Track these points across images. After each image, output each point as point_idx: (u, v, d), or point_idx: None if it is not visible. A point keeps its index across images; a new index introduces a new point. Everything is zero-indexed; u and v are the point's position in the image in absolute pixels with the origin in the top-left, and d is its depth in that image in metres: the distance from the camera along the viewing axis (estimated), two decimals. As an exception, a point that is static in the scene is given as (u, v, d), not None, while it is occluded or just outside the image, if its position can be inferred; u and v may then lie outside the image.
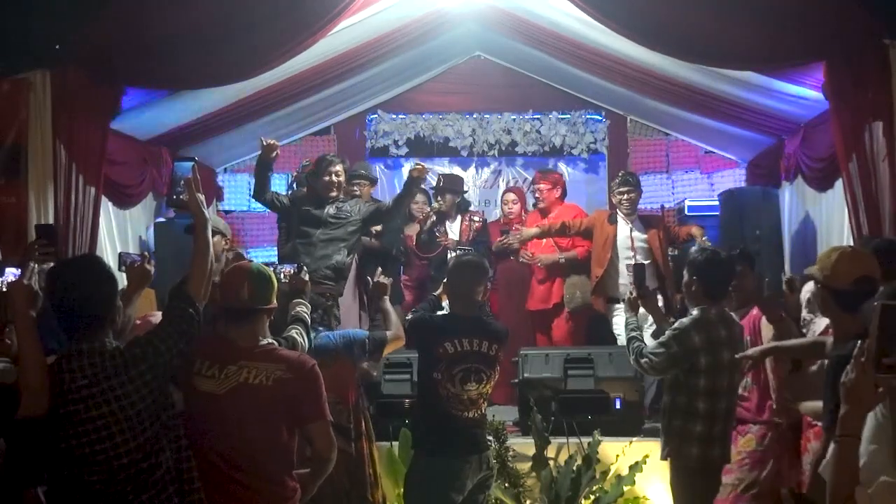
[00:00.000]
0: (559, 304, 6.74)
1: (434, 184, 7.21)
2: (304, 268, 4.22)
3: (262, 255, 8.04)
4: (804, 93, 5.82)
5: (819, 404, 3.34)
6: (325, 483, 3.28)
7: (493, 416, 4.95)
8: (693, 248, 4.88)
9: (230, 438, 3.01)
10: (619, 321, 6.29)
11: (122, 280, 3.60)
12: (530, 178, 8.53)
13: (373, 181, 6.94)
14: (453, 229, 6.95)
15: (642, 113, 8.25)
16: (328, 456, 3.14)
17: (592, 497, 5.06)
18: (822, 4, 5.07)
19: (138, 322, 3.58)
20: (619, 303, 6.31)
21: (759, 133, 7.19)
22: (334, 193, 5.79)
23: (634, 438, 5.24)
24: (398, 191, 8.46)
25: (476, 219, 7.00)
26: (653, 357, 3.97)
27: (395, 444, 5.11)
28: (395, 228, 6.67)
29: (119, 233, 6.46)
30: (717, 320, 3.96)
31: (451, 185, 7.04)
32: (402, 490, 4.55)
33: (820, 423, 3.67)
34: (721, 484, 4.13)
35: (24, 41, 5.12)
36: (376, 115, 8.58)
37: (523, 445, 5.27)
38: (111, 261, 5.76)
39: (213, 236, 4.81)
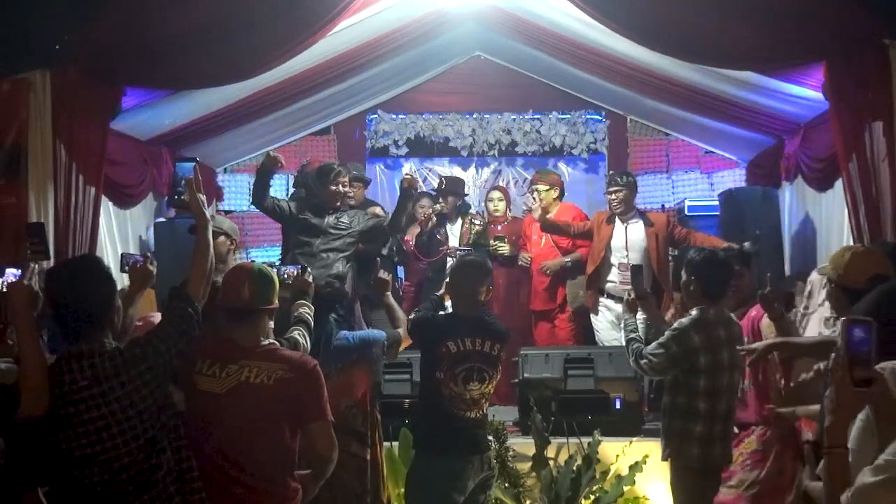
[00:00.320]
0: (562, 303, 6.75)
1: (435, 186, 7.21)
2: (308, 269, 4.21)
3: (263, 255, 8.04)
4: (804, 93, 5.82)
5: (815, 407, 3.34)
6: (338, 487, 3.28)
7: (493, 416, 4.95)
8: (691, 249, 4.88)
9: (231, 438, 3.01)
10: (600, 316, 6.42)
11: (124, 280, 3.61)
12: (531, 178, 8.56)
13: (366, 183, 6.91)
14: (453, 231, 6.94)
15: (642, 113, 8.25)
16: (329, 456, 3.14)
17: (592, 497, 5.06)
18: (822, 4, 5.07)
19: (139, 323, 3.59)
20: (603, 296, 6.36)
21: (759, 133, 7.19)
22: (339, 204, 5.80)
23: (634, 438, 5.24)
24: (398, 191, 8.53)
25: (476, 221, 6.99)
26: (652, 358, 3.97)
27: (395, 444, 5.11)
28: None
29: (119, 233, 6.46)
30: (716, 320, 3.96)
31: (453, 187, 7.04)
32: (401, 490, 4.55)
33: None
34: (721, 484, 4.13)
35: (24, 41, 5.12)
36: (376, 115, 8.57)
37: (523, 445, 5.27)
38: (112, 261, 5.76)
39: (217, 237, 4.85)
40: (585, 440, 5.18)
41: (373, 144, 8.60)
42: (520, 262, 6.86)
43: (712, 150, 8.38)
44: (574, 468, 5.06)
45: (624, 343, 4.33)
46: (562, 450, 5.25)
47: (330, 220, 5.75)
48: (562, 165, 8.53)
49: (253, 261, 3.74)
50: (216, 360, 3.07)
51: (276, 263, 5.39)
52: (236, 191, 8.54)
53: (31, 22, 5.04)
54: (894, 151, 4.89)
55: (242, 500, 3.01)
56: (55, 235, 5.13)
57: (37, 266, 3.49)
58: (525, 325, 6.89)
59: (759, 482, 4.34)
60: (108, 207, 6.17)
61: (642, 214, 6.59)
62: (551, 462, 5.15)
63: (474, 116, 8.53)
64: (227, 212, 8.29)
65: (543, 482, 5.06)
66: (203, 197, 3.09)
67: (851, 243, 5.17)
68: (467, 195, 7.46)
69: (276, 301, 3.26)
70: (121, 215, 6.52)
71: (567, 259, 6.76)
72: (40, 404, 2.69)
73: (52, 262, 3.66)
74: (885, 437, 2.19)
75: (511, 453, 5.22)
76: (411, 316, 4.36)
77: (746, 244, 5.20)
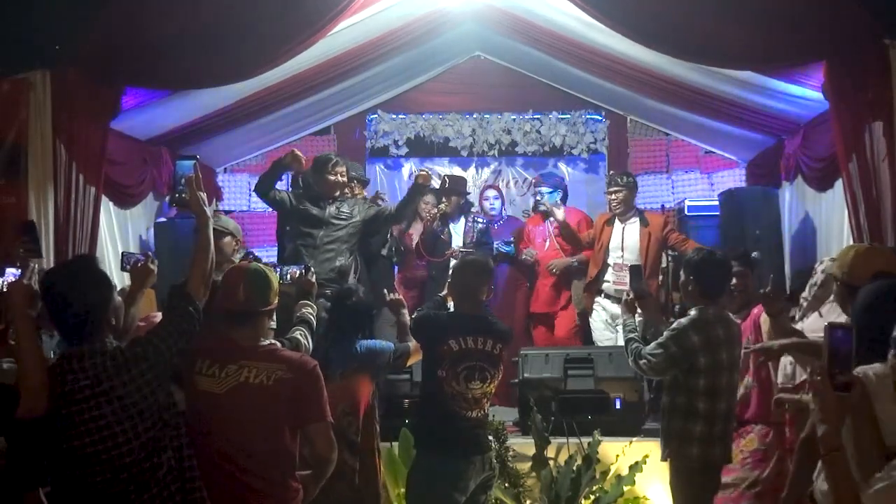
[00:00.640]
0: (564, 306, 6.76)
1: (437, 185, 7.20)
2: (311, 269, 4.21)
3: (263, 255, 8.03)
4: (804, 93, 5.82)
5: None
6: (329, 492, 3.27)
7: (493, 416, 4.95)
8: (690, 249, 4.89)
9: (230, 438, 3.01)
10: (595, 315, 6.47)
11: (125, 280, 3.61)
12: (530, 178, 8.56)
13: (365, 183, 6.91)
14: (457, 230, 6.93)
15: (642, 113, 8.25)
16: (329, 457, 3.14)
17: (592, 497, 5.06)
18: (821, 4, 5.07)
19: (142, 323, 3.59)
20: (600, 296, 6.38)
21: (759, 133, 7.19)
22: (338, 193, 5.79)
23: (634, 438, 5.24)
24: (398, 191, 8.54)
25: (480, 220, 6.99)
26: (651, 358, 3.97)
27: (395, 444, 5.10)
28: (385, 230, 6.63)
29: (120, 233, 6.46)
30: (715, 320, 3.96)
31: (456, 186, 7.02)
32: (401, 490, 4.55)
33: None
34: (722, 483, 4.13)
35: (24, 41, 5.12)
36: (376, 115, 8.57)
37: (523, 445, 5.27)
38: (113, 261, 5.77)
39: (223, 237, 4.84)
40: (585, 440, 5.18)
41: (373, 144, 8.60)
42: (523, 257, 6.85)
43: (712, 150, 8.37)
44: (574, 468, 5.05)
45: (623, 343, 4.33)
46: (562, 450, 5.25)
47: (331, 209, 5.75)
48: (562, 165, 8.53)
49: (251, 261, 3.73)
50: (216, 360, 3.07)
51: (277, 264, 5.37)
52: (236, 191, 8.54)
53: (31, 22, 5.04)
54: (894, 151, 4.89)
55: (242, 500, 3.01)
56: (55, 235, 5.13)
57: (37, 265, 3.50)
58: (522, 327, 6.87)
59: (760, 482, 4.35)
60: (108, 207, 6.18)
61: (640, 214, 6.60)
62: (551, 462, 5.15)
63: (474, 116, 8.52)
64: (227, 211, 8.27)
65: (543, 482, 5.06)
66: (203, 195, 3.09)
67: (851, 243, 5.17)
68: (470, 194, 7.45)
69: (275, 301, 3.25)
70: (121, 215, 6.52)
71: (574, 259, 6.77)
72: (40, 404, 2.69)
73: (44, 260, 3.65)
74: (861, 435, 2.25)
75: (511, 453, 5.21)
76: (413, 315, 4.36)
77: (755, 254, 5.20)
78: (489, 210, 7.20)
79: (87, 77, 5.24)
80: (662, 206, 8.17)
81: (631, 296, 4.35)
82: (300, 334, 3.74)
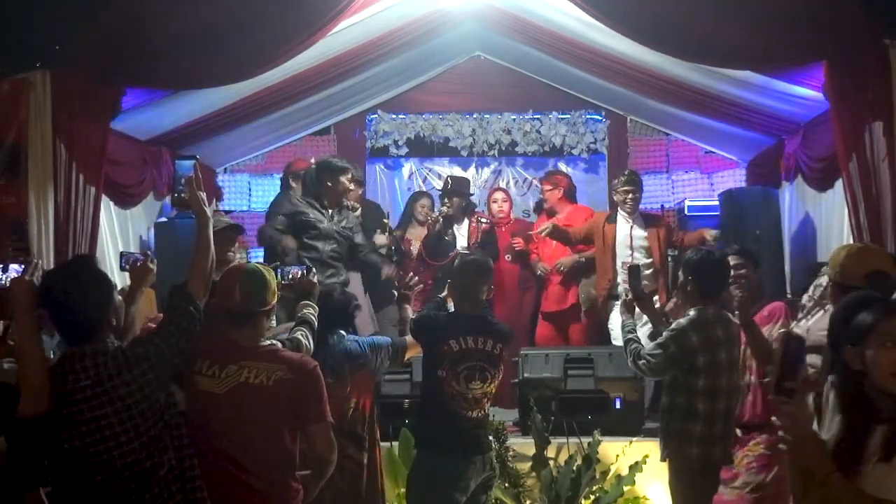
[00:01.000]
0: (575, 304, 6.74)
1: (435, 185, 7.20)
2: (313, 269, 4.21)
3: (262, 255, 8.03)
4: (804, 93, 5.82)
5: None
6: (328, 489, 3.27)
7: (493, 416, 4.95)
8: (689, 249, 4.87)
9: (230, 438, 3.01)
10: (614, 318, 6.33)
11: (125, 279, 3.61)
12: (530, 178, 8.56)
13: (361, 183, 6.89)
14: (461, 232, 6.90)
15: (642, 113, 8.25)
16: (329, 458, 3.14)
17: (592, 497, 5.07)
18: (821, 4, 5.07)
19: (152, 325, 3.58)
20: (615, 298, 6.35)
21: (759, 133, 7.19)
22: (343, 202, 5.81)
23: (634, 438, 5.25)
24: (398, 191, 8.55)
25: (483, 220, 6.94)
26: (651, 358, 3.97)
27: (395, 444, 5.11)
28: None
29: (120, 232, 6.47)
30: (715, 320, 3.96)
31: (459, 187, 6.98)
32: (401, 490, 4.55)
33: None
34: (724, 485, 4.12)
35: (24, 41, 5.12)
36: (376, 115, 8.57)
37: (523, 445, 5.27)
38: (113, 261, 5.77)
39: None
40: (585, 440, 5.18)
41: (373, 144, 8.60)
42: (538, 272, 6.83)
43: (712, 150, 8.38)
44: (574, 468, 5.06)
45: (622, 343, 4.33)
46: (562, 450, 5.25)
47: (334, 222, 5.77)
48: (562, 165, 8.52)
49: (249, 261, 3.72)
50: (216, 360, 3.07)
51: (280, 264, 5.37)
52: (236, 191, 8.54)
53: (31, 22, 5.04)
54: (894, 151, 4.89)
55: (243, 500, 3.01)
56: (55, 235, 5.13)
57: (40, 262, 3.49)
58: (523, 327, 6.86)
59: (764, 486, 4.33)
60: (109, 207, 6.18)
61: (642, 214, 6.59)
62: (551, 462, 5.15)
63: (474, 116, 8.53)
64: (227, 211, 8.28)
65: (543, 482, 5.06)
66: (203, 195, 3.08)
67: (852, 242, 5.17)
68: (473, 195, 7.43)
69: (273, 301, 3.25)
70: (122, 215, 6.52)
71: (581, 256, 6.73)
72: (40, 402, 2.68)
73: (42, 260, 3.63)
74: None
75: (511, 453, 5.22)
76: (413, 316, 4.36)
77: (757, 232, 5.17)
78: (496, 212, 7.14)
79: (87, 77, 5.24)
80: (662, 205, 8.15)
81: (630, 296, 4.35)
82: (301, 335, 3.73)
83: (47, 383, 2.70)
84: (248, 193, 8.51)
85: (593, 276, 6.67)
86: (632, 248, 6.33)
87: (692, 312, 3.99)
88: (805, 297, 4.24)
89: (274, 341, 3.28)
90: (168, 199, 6.98)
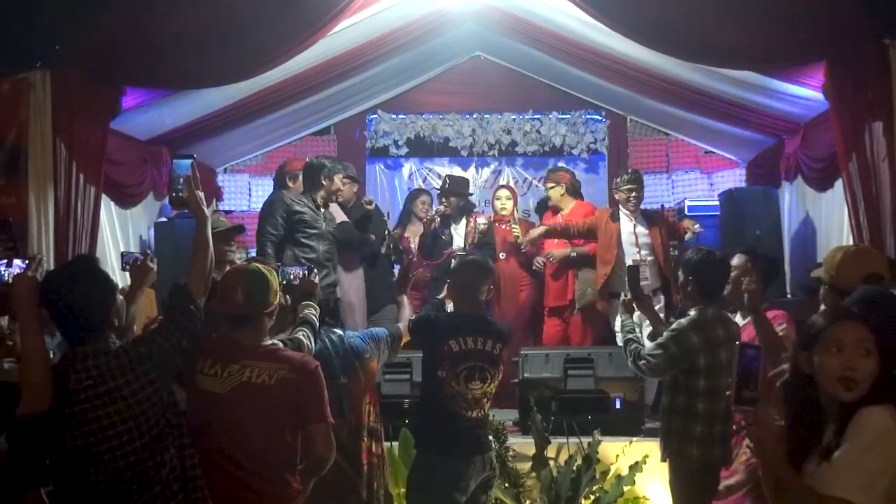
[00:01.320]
0: (574, 299, 6.73)
1: (435, 185, 7.19)
2: (314, 270, 4.21)
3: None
4: (804, 93, 5.82)
5: None
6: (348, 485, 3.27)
7: (493, 416, 4.95)
8: (689, 249, 4.86)
9: (232, 437, 3.00)
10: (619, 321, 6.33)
11: (126, 279, 3.61)
12: (530, 178, 8.56)
13: (356, 181, 6.87)
14: (458, 231, 6.87)
15: (642, 113, 8.26)
16: (328, 458, 3.13)
17: (592, 497, 5.06)
18: (821, 4, 5.08)
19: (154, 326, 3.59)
20: (617, 298, 6.32)
21: (759, 133, 7.19)
22: (335, 200, 5.82)
23: (634, 438, 5.24)
24: (398, 191, 8.55)
25: (482, 220, 6.87)
26: (651, 359, 3.96)
27: (395, 444, 5.11)
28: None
29: (121, 232, 6.47)
30: (715, 320, 3.95)
31: (457, 187, 6.94)
32: (401, 490, 4.55)
33: None
34: (725, 486, 4.12)
35: (24, 41, 5.12)
36: (376, 115, 8.58)
37: (523, 445, 5.27)
38: (114, 259, 5.77)
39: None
40: (585, 440, 5.18)
41: (373, 144, 8.61)
42: (534, 267, 6.83)
43: (712, 150, 8.39)
44: (574, 468, 5.05)
45: (622, 343, 4.32)
46: (562, 450, 5.25)
47: (327, 223, 5.78)
48: (562, 165, 8.52)
49: (249, 262, 3.71)
50: (218, 359, 3.06)
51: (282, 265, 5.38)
52: (236, 191, 8.55)
53: (31, 22, 5.05)
54: (894, 151, 4.90)
55: (244, 500, 3.00)
56: (55, 235, 5.13)
57: (44, 258, 3.49)
58: (522, 326, 6.86)
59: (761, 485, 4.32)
60: (109, 207, 6.19)
61: (644, 213, 6.59)
62: (551, 462, 5.15)
63: (474, 116, 8.53)
64: (227, 211, 8.29)
65: (543, 482, 5.06)
66: (201, 194, 3.08)
67: (851, 243, 5.17)
68: (472, 194, 7.40)
69: (276, 301, 3.24)
70: (122, 215, 6.53)
71: (572, 250, 6.71)
72: (41, 401, 2.68)
73: (19, 257, 3.60)
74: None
75: (511, 453, 5.21)
76: (412, 317, 4.36)
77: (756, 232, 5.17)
78: (500, 210, 7.05)
79: (87, 77, 5.24)
80: (662, 205, 8.16)
81: (629, 296, 4.34)
82: (303, 335, 3.73)
83: (49, 382, 2.70)
84: (248, 193, 8.52)
85: (591, 272, 6.65)
86: (637, 245, 6.32)
87: (692, 312, 3.99)
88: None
89: (275, 341, 3.28)
90: (167, 199, 6.99)
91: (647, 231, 6.36)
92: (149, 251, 4.38)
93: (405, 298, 4.45)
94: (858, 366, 2.28)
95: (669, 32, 5.35)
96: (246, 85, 6.26)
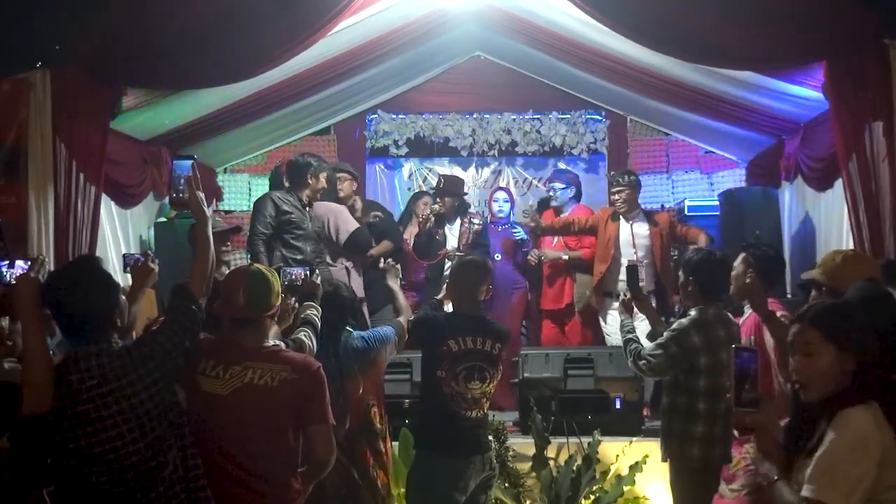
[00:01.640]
0: (571, 303, 6.75)
1: (434, 185, 7.18)
2: (316, 271, 4.21)
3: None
4: (804, 93, 5.82)
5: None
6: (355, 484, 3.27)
7: (493, 416, 4.95)
8: (689, 249, 4.86)
9: (234, 439, 3.00)
10: (611, 318, 6.34)
11: (127, 280, 3.61)
12: (530, 178, 8.56)
13: (355, 177, 6.85)
14: (453, 232, 6.88)
15: (642, 113, 8.25)
16: (328, 459, 3.14)
17: (592, 497, 5.07)
18: (822, 4, 5.07)
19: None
20: (610, 297, 6.35)
21: (759, 133, 7.19)
22: (319, 199, 5.84)
23: (634, 438, 5.25)
24: (398, 191, 8.55)
25: (476, 221, 6.84)
26: (651, 359, 3.97)
27: (395, 444, 5.10)
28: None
29: (121, 232, 6.47)
30: (716, 320, 3.96)
31: (451, 187, 6.96)
32: (401, 490, 4.55)
33: None
34: (727, 489, 4.12)
35: (24, 41, 5.12)
36: (376, 115, 8.57)
37: (523, 445, 5.27)
38: (115, 259, 5.77)
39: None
40: (585, 440, 5.18)
41: (373, 144, 8.60)
42: (529, 258, 6.83)
43: (712, 150, 8.38)
44: (574, 468, 5.06)
45: (621, 343, 4.32)
46: (562, 450, 5.25)
47: (312, 222, 5.78)
48: (562, 165, 8.52)
49: (250, 262, 3.71)
50: (220, 361, 3.06)
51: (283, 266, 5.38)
52: (236, 191, 8.54)
53: (31, 22, 5.04)
54: (894, 151, 4.89)
55: (245, 501, 3.00)
56: (55, 235, 5.13)
57: (46, 259, 3.50)
58: (518, 330, 6.86)
59: (763, 487, 4.31)
60: (110, 207, 6.18)
61: (646, 213, 6.59)
62: (551, 462, 5.15)
63: (474, 116, 8.53)
64: (227, 212, 8.29)
65: (543, 482, 5.06)
66: (202, 194, 3.08)
67: (851, 243, 5.18)
68: (467, 195, 7.41)
69: (278, 303, 3.24)
70: (123, 215, 6.53)
71: (564, 254, 6.73)
72: (43, 401, 2.68)
73: (21, 258, 3.61)
74: None
75: (511, 453, 5.22)
76: (411, 317, 4.36)
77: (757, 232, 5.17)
78: (497, 212, 7.07)
79: (87, 77, 5.24)
80: (662, 205, 8.17)
81: (628, 296, 4.35)
82: (304, 335, 3.73)
83: (51, 382, 2.70)
84: (248, 193, 8.50)
85: (584, 275, 6.67)
86: (634, 245, 6.33)
87: (693, 312, 3.99)
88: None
89: (277, 342, 3.28)
90: (167, 199, 6.99)
91: (647, 232, 6.37)
92: (150, 252, 4.38)
93: (397, 286, 4.46)
94: (802, 368, 2.33)
95: (669, 33, 5.35)
96: (246, 85, 6.26)
